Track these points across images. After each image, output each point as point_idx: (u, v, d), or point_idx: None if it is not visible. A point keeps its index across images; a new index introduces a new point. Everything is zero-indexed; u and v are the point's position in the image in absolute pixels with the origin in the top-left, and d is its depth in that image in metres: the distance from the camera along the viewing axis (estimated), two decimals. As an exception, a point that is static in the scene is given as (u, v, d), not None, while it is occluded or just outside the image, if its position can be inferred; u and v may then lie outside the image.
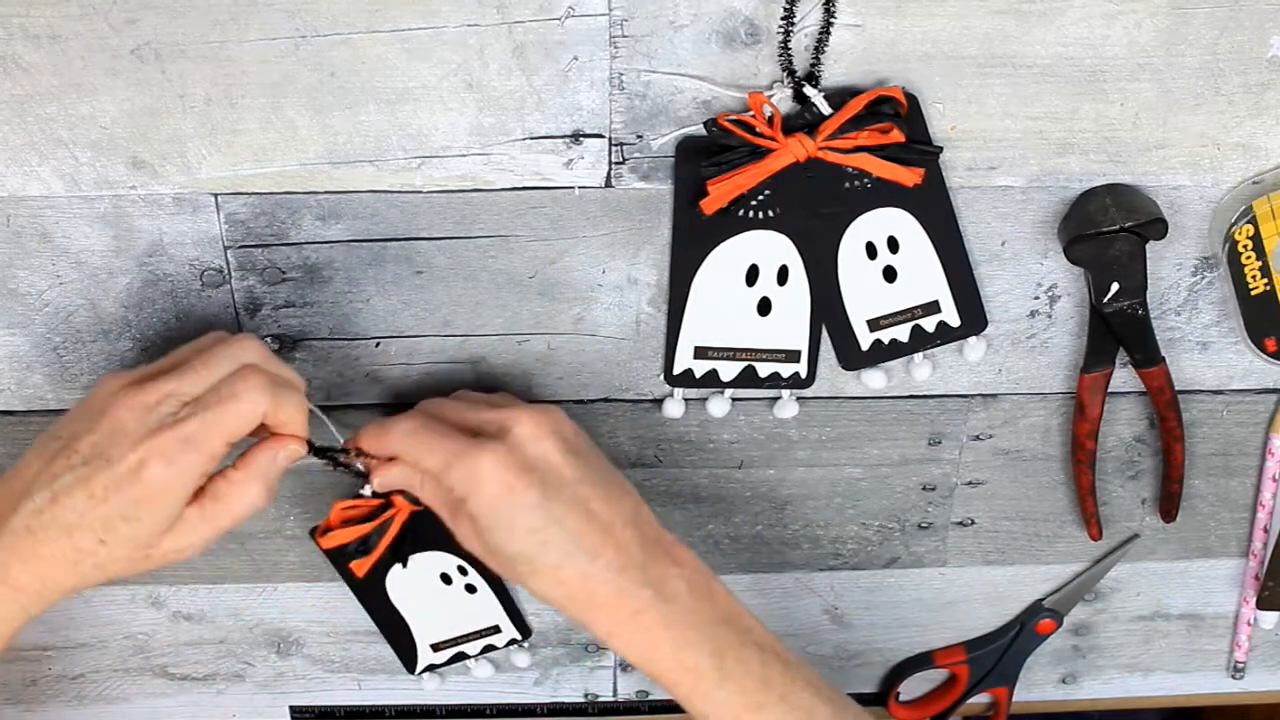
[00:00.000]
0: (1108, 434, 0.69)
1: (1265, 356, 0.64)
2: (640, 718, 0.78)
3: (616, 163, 0.58)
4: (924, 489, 0.70)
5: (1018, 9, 0.55)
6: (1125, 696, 0.80)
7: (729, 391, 0.65)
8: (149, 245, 0.59)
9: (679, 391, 0.65)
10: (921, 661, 0.77)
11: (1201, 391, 0.68)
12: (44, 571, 0.52)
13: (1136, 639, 0.78)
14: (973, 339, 0.64)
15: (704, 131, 0.57)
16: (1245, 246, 0.61)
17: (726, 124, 0.56)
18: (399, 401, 0.65)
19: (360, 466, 0.58)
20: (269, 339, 0.62)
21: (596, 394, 0.65)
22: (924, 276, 0.62)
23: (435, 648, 0.71)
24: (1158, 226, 0.60)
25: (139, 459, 0.50)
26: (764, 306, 0.62)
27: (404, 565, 0.66)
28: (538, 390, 0.65)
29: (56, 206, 0.58)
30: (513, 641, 0.72)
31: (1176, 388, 0.65)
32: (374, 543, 0.62)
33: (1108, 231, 0.59)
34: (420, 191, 0.59)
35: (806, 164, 0.58)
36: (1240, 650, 0.78)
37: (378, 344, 0.63)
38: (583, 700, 0.77)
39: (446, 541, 0.61)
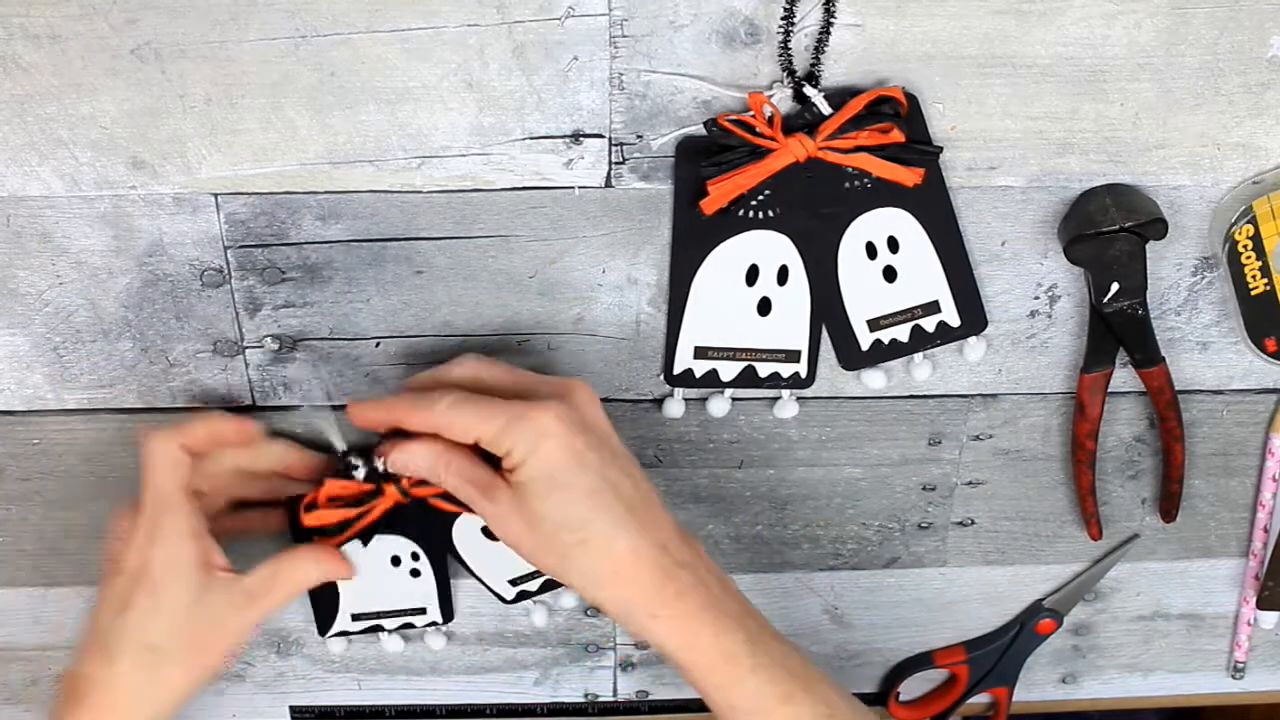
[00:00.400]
0: (1108, 434, 0.69)
1: (1265, 356, 0.64)
2: (640, 718, 0.78)
3: (616, 163, 0.58)
4: (924, 489, 0.70)
5: (1018, 9, 0.55)
6: (1125, 696, 0.80)
7: (729, 391, 0.65)
8: (149, 245, 0.59)
9: (679, 391, 0.65)
10: (921, 661, 0.77)
11: (1201, 391, 0.68)
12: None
13: (1136, 639, 0.78)
14: (973, 339, 0.64)
15: (704, 131, 0.57)
16: (1245, 246, 0.61)
17: (726, 124, 0.56)
18: (399, 401, 0.65)
19: (382, 467, 0.58)
20: (269, 339, 0.62)
21: (597, 394, 0.65)
22: (924, 276, 0.62)
23: (355, 617, 0.70)
24: (1158, 226, 0.60)
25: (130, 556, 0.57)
26: (764, 306, 0.62)
27: (364, 544, 0.66)
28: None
29: (56, 206, 0.58)
30: (433, 624, 0.71)
31: (1176, 388, 0.65)
32: (348, 526, 0.62)
33: (1108, 231, 0.59)
34: (420, 191, 0.59)
35: (806, 164, 0.58)
36: (1240, 650, 0.78)
37: (378, 344, 0.63)
38: (583, 700, 0.77)
39: (414, 529, 0.63)
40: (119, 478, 0.66)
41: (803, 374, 0.64)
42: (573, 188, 0.59)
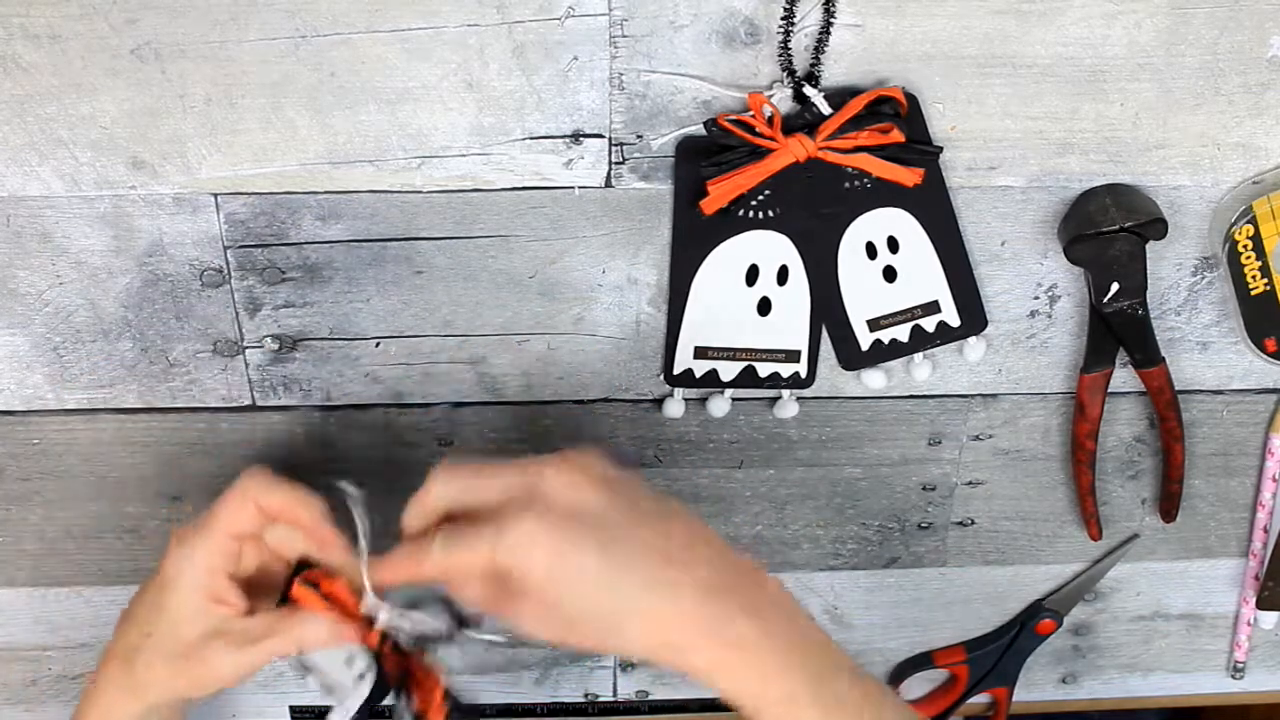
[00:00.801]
0: (1108, 434, 0.69)
1: (1265, 356, 0.64)
2: (640, 718, 0.78)
3: (616, 163, 0.58)
4: (924, 489, 0.70)
5: (1018, 9, 0.55)
6: (1125, 696, 0.80)
7: (729, 391, 0.65)
8: (149, 245, 0.59)
9: (679, 391, 0.65)
10: (921, 661, 0.77)
11: (1201, 391, 0.68)
12: (109, 673, 0.57)
13: (1136, 639, 0.77)
14: (973, 339, 0.64)
15: (704, 131, 0.57)
16: (1245, 246, 0.61)
17: (726, 124, 0.56)
18: (396, 401, 0.65)
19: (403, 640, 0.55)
20: (269, 339, 0.62)
21: (596, 394, 0.65)
22: (924, 276, 0.62)
23: None
24: (1158, 226, 0.60)
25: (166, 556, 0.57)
26: (764, 306, 0.62)
27: None
28: (537, 390, 0.65)
29: (56, 206, 0.58)
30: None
31: (1176, 388, 0.65)
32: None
33: (1108, 231, 0.59)
34: (420, 191, 0.59)
35: (806, 164, 0.58)
36: (1240, 650, 0.78)
37: (378, 344, 0.63)
38: (583, 700, 0.77)
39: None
40: (119, 478, 0.66)
41: (803, 374, 0.64)
42: (573, 188, 0.59)
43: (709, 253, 0.61)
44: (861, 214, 0.60)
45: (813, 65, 0.56)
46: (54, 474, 0.66)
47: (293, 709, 0.76)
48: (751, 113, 0.56)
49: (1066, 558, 0.74)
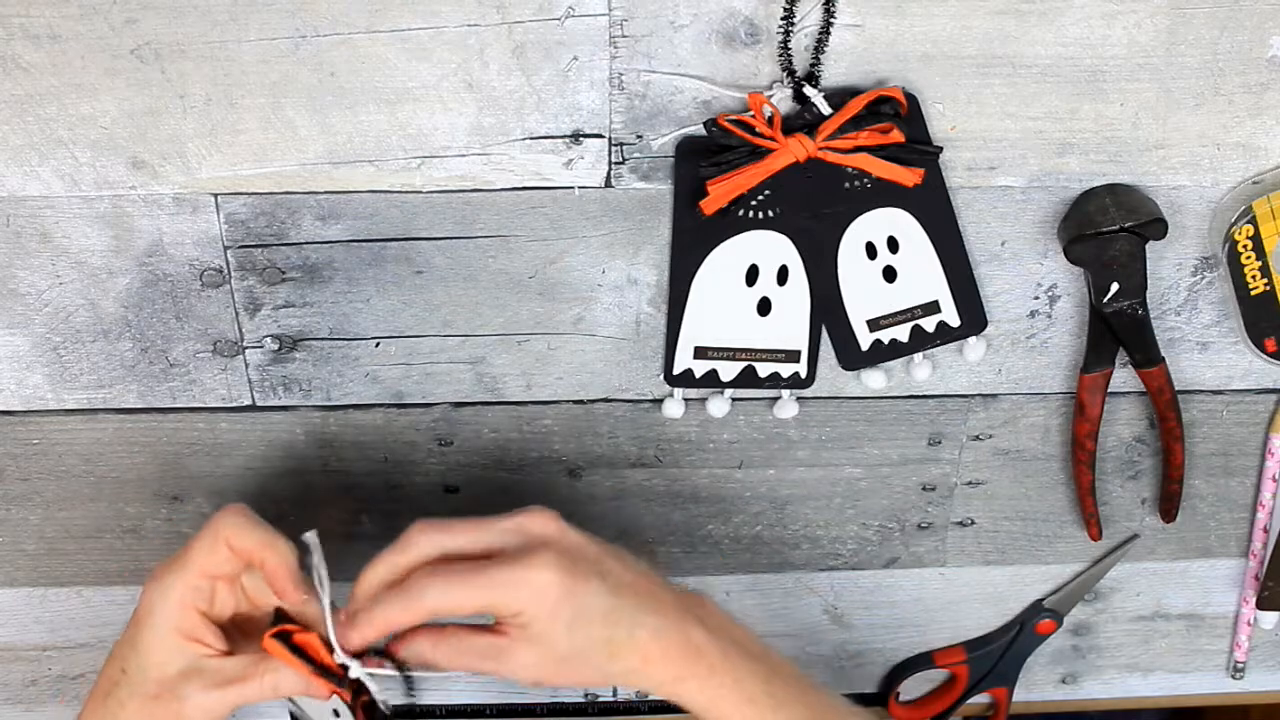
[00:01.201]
0: (1108, 434, 0.69)
1: (1265, 356, 0.64)
2: (640, 718, 0.78)
3: (616, 163, 0.58)
4: (924, 489, 0.70)
5: (1018, 9, 0.55)
6: (1125, 696, 0.80)
7: (729, 391, 0.65)
8: (149, 245, 0.59)
9: (679, 391, 0.65)
10: (921, 661, 0.77)
11: (1201, 391, 0.68)
12: (91, 709, 0.57)
13: (1136, 639, 0.78)
14: (973, 339, 0.64)
15: (704, 131, 0.57)
16: (1245, 246, 0.61)
17: (726, 124, 0.56)
18: (396, 401, 0.65)
19: (365, 678, 0.54)
20: (269, 339, 0.62)
21: (596, 394, 0.65)
22: (924, 276, 0.62)
23: None
24: (1158, 226, 0.60)
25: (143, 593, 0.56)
26: (764, 306, 0.62)
27: None
28: (537, 390, 0.65)
29: (56, 206, 0.58)
30: None
31: (1176, 388, 0.65)
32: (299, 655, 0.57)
33: (1108, 231, 0.59)
34: (420, 191, 0.59)
35: (806, 164, 0.58)
36: (1240, 650, 0.78)
37: (378, 344, 0.63)
38: (583, 700, 0.77)
39: None
40: (119, 478, 0.66)
41: (803, 374, 0.64)
42: (573, 188, 0.59)
43: (709, 253, 0.61)
44: (861, 214, 0.60)
45: (813, 65, 0.56)
46: (54, 474, 0.66)
47: (292, 711, 0.76)
48: (751, 113, 0.56)
49: (1066, 558, 0.74)
